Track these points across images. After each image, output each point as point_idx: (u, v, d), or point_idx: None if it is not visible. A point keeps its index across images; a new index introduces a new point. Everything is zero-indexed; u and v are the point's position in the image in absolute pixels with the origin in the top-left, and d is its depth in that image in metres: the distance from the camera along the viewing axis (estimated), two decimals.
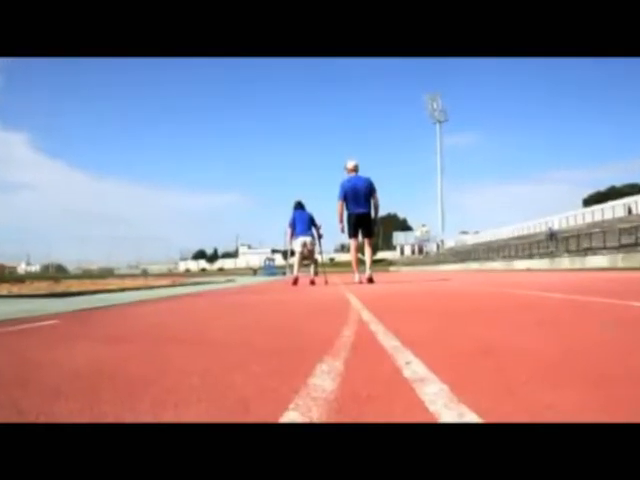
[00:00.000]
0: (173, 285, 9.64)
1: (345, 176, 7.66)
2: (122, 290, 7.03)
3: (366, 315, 2.45)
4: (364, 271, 7.65)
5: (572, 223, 39.30)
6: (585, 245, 27.39)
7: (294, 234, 8.51)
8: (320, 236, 8.79)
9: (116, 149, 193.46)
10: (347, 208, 7.51)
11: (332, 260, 53.05)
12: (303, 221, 8.51)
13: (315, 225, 8.67)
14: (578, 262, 25.67)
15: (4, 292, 6.24)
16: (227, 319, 2.71)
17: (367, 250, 7.61)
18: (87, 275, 28.06)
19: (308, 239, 8.46)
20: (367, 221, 7.50)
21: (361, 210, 7.44)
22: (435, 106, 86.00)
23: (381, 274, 20.16)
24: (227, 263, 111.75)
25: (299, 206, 8.65)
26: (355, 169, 7.60)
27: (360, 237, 7.52)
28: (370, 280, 7.44)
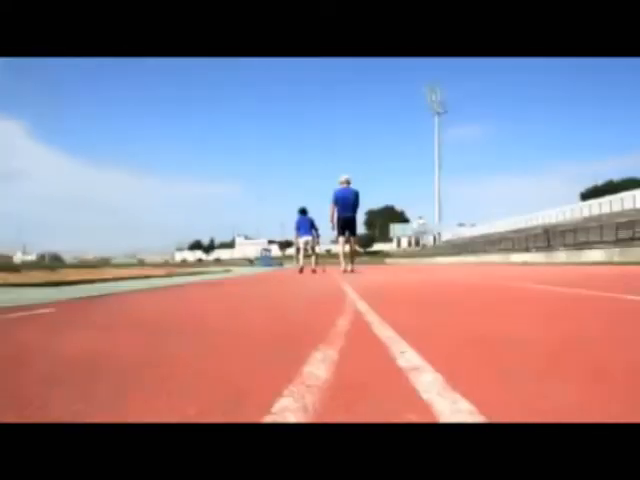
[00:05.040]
0: (169, 275, 9.58)
1: (337, 186, 9.75)
2: (117, 280, 7.06)
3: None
4: (349, 262, 9.84)
5: (569, 217, 39.35)
6: (582, 239, 27.43)
7: (299, 235, 11.68)
8: (318, 235, 11.92)
9: (113, 138, 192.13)
10: (336, 212, 9.63)
11: (329, 251, 54.06)
12: (305, 225, 11.67)
13: (314, 227, 11.80)
14: (575, 256, 25.69)
15: None
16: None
17: (350, 247, 9.79)
18: (84, 265, 27.93)
19: (309, 238, 11.61)
20: (352, 223, 9.70)
21: (348, 214, 9.60)
22: (434, 98, 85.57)
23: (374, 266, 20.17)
24: (224, 253, 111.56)
25: (302, 212, 11.77)
26: (347, 182, 9.68)
27: (346, 235, 9.64)
28: (352, 271, 9.54)
